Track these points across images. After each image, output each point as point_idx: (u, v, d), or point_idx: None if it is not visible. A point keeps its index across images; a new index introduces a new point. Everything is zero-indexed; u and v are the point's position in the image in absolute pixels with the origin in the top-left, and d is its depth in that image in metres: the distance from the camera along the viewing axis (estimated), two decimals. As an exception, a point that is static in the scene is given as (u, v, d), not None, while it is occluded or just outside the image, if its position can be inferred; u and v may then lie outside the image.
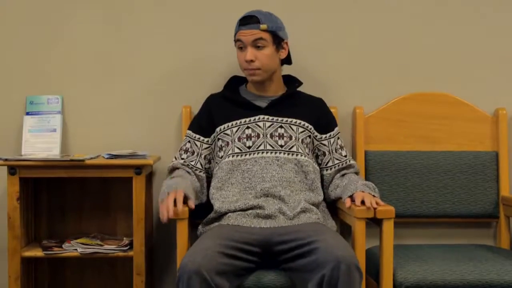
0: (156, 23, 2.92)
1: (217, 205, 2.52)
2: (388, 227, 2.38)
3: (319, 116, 2.66)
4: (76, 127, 2.92)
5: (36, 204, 2.87)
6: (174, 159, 2.65)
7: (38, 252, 2.66)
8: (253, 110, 2.62)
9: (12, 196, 2.61)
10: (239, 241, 2.32)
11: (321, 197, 2.59)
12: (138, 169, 2.61)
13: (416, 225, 2.93)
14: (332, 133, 2.67)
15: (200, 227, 2.56)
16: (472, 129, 2.90)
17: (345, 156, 2.67)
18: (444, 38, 2.96)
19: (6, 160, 2.61)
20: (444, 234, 2.94)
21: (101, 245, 2.68)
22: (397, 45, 2.96)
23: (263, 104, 2.63)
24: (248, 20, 2.56)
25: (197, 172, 2.61)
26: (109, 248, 2.67)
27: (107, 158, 2.65)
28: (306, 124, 2.62)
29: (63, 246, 2.69)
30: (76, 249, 2.66)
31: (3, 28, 2.91)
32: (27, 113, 2.86)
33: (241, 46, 2.57)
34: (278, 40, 2.59)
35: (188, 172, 2.60)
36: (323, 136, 2.65)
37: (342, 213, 2.63)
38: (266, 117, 2.60)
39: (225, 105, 2.65)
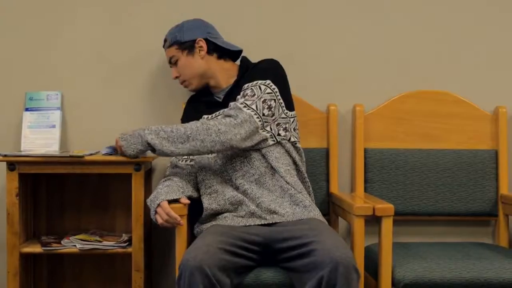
0: (156, 19, 2.92)
1: (206, 203, 2.52)
2: (387, 225, 2.38)
3: (253, 74, 2.56)
4: (75, 123, 2.92)
5: (35, 200, 2.87)
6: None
7: (37, 248, 2.66)
8: (214, 106, 2.63)
9: (11, 192, 2.61)
10: (239, 238, 2.33)
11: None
12: (138, 165, 2.61)
13: (415, 223, 2.93)
14: (246, 85, 2.52)
15: (196, 226, 2.56)
16: (472, 127, 2.90)
17: (241, 103, 2.44)
18: (444, 36, 2.96)
19: (5, 156, 2.60)
20: (443, 232, 2.94)
21: (100, 242, 2.68)
22: (397, 43, 2.95)
23: (220, 98, 2.65)
24: (163, 43, 2.72)
25: (192, 163, 2.63)
26: (108, 244, 2.67)
27: (105, 154, 2.64)
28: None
29: (62, 242, 2.69)
30: (75, 245, 2.66)
31: (2, 24, 2.91)
32: (27, 109, 2.86)
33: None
34: (186, 46, 2.63)
35: (183, 167, 2.62)
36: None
37: (341, 211, 2.63)
38: (224, 109, 2.58)
39: (196, 105, 2.70)
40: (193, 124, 2.42)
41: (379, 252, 2.40)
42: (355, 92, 2.94)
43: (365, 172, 2.86)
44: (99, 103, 2.92)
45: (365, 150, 2.87)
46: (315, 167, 2.84)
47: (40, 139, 2.82)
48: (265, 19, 2.92)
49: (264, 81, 2.50)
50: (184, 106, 2.82)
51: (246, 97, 2.47)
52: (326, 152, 2.86)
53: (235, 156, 2.52)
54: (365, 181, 2.86)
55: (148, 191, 2.78)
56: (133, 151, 2.48)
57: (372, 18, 2.95)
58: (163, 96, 2.92)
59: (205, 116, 2.61)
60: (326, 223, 2.50)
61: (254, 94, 2.47)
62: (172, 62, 2.68)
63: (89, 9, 2.91)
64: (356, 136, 2.87)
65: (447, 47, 2.96)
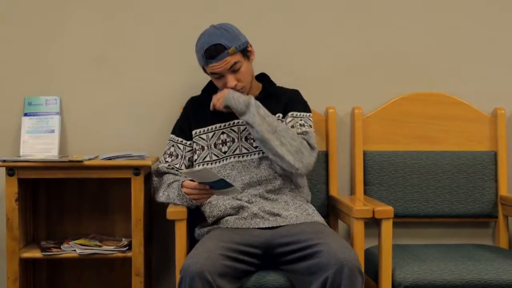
0: (154, 23, 2.92)
1: (208, 212, 2.53)
2: (386, 227, 2.38)
3: (287, 102, 2.62)
4: (74, 128, 2.92)
5: (34, 205, 2.86)
6: (159, 163, 2.68)
7: (36, 253, 2.66)
8: (228, 114, 2.60)
9: (10, 197, 2.60)
10: (240, 243, 2.33)
11: (302, 187, 2.61)
12: (137, 170, 2.61)
13: (415, 225, 2.93)
14: (292, 113, 2.59)
15: (197, 229, 2.56)
16: (471, 129, 2.90)
17: (305, 129, 2.56)
18: (442, 38, 2.96)
19: (4, 161, 2.60)
20: (443, 234, 2.94)
21: (99, 246, 2.68)
22: (395, 45, 2.96)
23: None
24: (214, 52, 2.49)
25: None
26: (108, 249, 2.66)
27: (103, 159, 2.64)
28: (277, 115, 2.59)
29: (61, 247, 2.68)
30: (74, 250, 2.66)
31: (1, 29, 2.91)
32: (25, 114, 2.86)
33: (217, 76, 2.55)
34: (245, 51, 2.55)
35: (175, 175, 2.63)
36: (285, 116, 2.61)
37: (341, 213, 2.63)
38: (240, 121, 2.59)
39: (202, 109, 2.65)
40: (288, 129, 2.50)
41: (379, 255, 2.40)
42: (353, 94, 2.94)
43: (364, 175, 2.86)
44: (98, 108, 2.92)
45: (364, 153, 2.87)
46: (314, 170, 2.83)
47: (39, 144, 2.81)
48: (262, 22, 2.92)
49: (309, 115, 2.63)
50: (181, 109, 2.82)
51: (306, 127, 2.56)
52: (325, 155, 2.86)
53: (234, 169, 2.54)
54: (365, 184, 2.86)
55: (147, 195, 2.78)
56: (235, 105, 2.44)
57: (370, 20, 2.95)
58: (162, 99, 2.92)
59: (219, 125, 2.60)
60: (329, 227, 2.51)
61: (311, 126, 2.59)
62: (235, 69, 2.51)
63: (87, 14, 2.91)
64: (355, 139, 2.87)
65: (445, 49, 2.96)
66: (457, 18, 2.96)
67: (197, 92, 2.78)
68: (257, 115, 2.46)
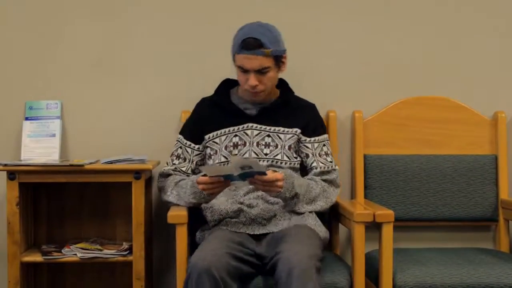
0: (155, 28, 2.93)
1: (209, 216, 2.53)
2: (387, 231, 2.38)
3: (308, 121, 2.64)
4: (75, 132, 2.92)
5: (35, 209, 2.87)
6: (166, 165, 2.67)
7: (37, 257, 2.66)
8: (243, 118, 2.60)
9: (11, 201, 2.61)
10: (242, 244, 2.34)
11: None
12: (138, 173, 2.61)
13: (416, 229, 2.93)
14: (317, 138, 2.63)
15: (198, 233, 2.57)
16: (471, 133, 2.90)
17: (331, 161, 2.63)
18: (443, 42, 2.97)
19: (5, 165, 2.61)
20: (444, 237, 2.94)
21: (100, 250, 2.68)
22: (396, 49, 2.96)
23: (253, 111, 2.61)
24: (251, 45, 2.46)
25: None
26: (109, 253, 2.67)
27: (104, 163, 2.64)
28: (294, 129, 2.61)
29: (62, 251, 2.68)
30: (75, 254, 2.66)
31: (2, 33, 2.91)
32: (26, 118, 2.86)
33: (243, 70, 2.51)
34: (279, 59, 2.53)
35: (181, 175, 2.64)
36: (307, 139, 2.62)
37: (342, 217, 2.63)
38: (254, 125, 2.59)
39: (215, 111, 2.64)
40: (318, 187, 2.56)
41: (380, 258, 2.40)
42: (354, 98, 2.94)
43: (365, 178, 2.86)
44: (99, 112, 2.93)
45: (365, 156, 2.87)
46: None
47: (40, 148, 2.82)
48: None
49: (327, 136, 2.70)
50: (182, 114, 2.82)
51: (331, 156, 2.66)
52: (326, 159, 2.86)
53: None
54: (365, 188, 2.86)
55: (148, 199, 2.78)
56: (284, 194, 2.44)
57: (371, 24, 2.95)
58: (162, 104, 2.92)
59: (232, 128, 2.59)
60: (308, 231, 2.46)
61: (331, 153, 2.67)
62: (262, 71, 2.49)
63: (88, 18, 2.92)
64: (356, 143, 2.87)
65: (445, 53, 2.97)
66: (457, 23, 2.97)
67: (198, 96, 2.78)
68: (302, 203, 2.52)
